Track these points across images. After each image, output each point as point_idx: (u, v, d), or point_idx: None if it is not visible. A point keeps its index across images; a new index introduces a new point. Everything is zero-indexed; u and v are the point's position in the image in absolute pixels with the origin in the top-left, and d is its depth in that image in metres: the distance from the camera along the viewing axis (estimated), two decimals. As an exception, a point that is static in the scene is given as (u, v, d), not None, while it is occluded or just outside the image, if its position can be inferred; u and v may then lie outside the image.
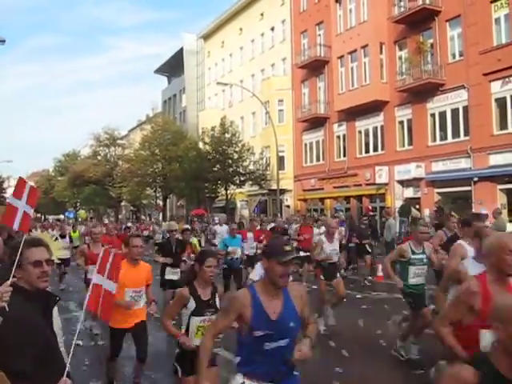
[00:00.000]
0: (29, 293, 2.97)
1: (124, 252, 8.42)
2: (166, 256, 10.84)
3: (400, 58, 29.28)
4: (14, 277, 2.80)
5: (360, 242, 17.20)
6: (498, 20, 24.12)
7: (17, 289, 2.90)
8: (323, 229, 16.98)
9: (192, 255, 11.48)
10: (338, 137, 34.39)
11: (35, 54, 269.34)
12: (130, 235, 7.29)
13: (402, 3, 28.40)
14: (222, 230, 19.36)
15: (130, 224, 27.07)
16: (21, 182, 4.84)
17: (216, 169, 38.49)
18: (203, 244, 20.98)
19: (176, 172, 44.02)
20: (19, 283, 2.97)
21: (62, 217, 74.27)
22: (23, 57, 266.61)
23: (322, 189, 35.15)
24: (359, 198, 32.23)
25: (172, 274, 10.90)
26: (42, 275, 3.05)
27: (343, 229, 17.41)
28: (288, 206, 38.38)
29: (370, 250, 17.40)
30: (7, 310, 2.63)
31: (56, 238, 13.28)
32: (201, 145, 42.10)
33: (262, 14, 43.45)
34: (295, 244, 15.29)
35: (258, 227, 17.87)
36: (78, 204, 76.48)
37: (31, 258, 3.05)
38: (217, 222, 24.53)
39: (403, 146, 29.24)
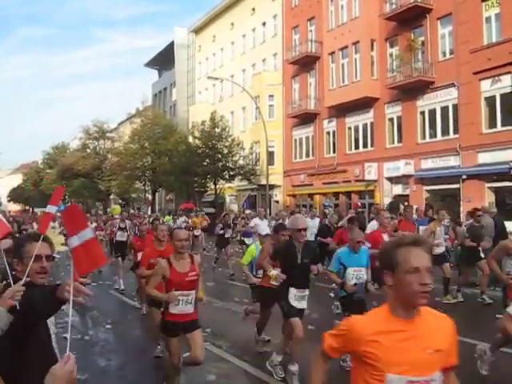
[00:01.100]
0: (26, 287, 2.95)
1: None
2: (286, 270, 6.79)
3: (391, 55, 29.31)
4: (27, 276, 2.80)
5: None
6: (488, 19, 24.19)
7: (15, 282, 2.90)
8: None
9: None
10: (328, 133, 34.41)
11: (26, 46, 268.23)
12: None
13: (393, 0, 28.41)
14: (263, 224, 15.75)
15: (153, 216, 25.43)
16: (60, 190, 4.98)
17: (205, 163, 38.45)
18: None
19: (165, 166, 43.94)
20: (19, 276, 2.97)
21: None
22: (13, 49, 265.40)
23: (312, 185, 35.17)
24: (348, 194, 32.26)
25: (300, 301, 6.87)
26: (41, 270, 3.03)
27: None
28: (277, 202, 38.39)
29: None
30: (18, 308, 2.62)
31: (60, 232, 13.13)
32: (190, 139, 42.05)
33: (253, 9, 43.35)
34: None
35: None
36: (67, 197, 76.09)
37: (32, 252, 3.03)
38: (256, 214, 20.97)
39: (393, 142, 29.31)
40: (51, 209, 4.68)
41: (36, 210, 68.52)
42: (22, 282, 2.74)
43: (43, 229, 4.62)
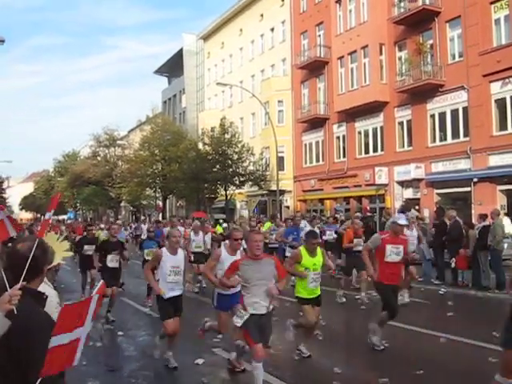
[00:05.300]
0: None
1: None
2: None
3: (400, 58, 29.27)
4: (23, 281, 2.78)
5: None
6: (497, 21, 24.11)
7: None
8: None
9: None
10: (338, 137, 34.36)
11: (36, 54, 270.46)
12: None
13: (401, 4, 28.38)
14: None
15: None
16: (56, 197, 5.26)
17: (215, 169, 38.45)
18: None
19: (175, 172, 44.01)
20: None
21: (64, 217, 74.55)
22: (24, 56, 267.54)
23: (322, 189, 35.11)
24: (359, 198, 32.18)
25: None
26: None
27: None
28: (288, 207, 38.35)
29: None
30: (15, 312, 2.62)
31: (65, 238, 13.09)
32: (200, 145, 42.10)
33: (261, 15, 43.44)
34: None
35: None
36: (78, 205, 76.48)
37: None
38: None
39: (403, 146, 29.22)
40: (48, 215, 4.92)
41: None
42: (18, 285, 2.72)
43: (42, 233, 4.75)
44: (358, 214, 19.76)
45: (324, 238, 16.78)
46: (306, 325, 7.87)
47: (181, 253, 7.78)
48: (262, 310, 6.25)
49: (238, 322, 6.24)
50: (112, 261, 11.42)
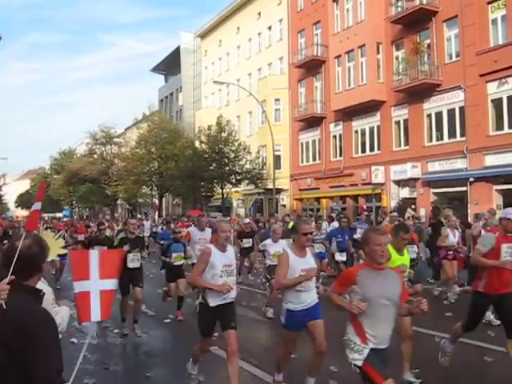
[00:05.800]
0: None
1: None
2: None
3: (397, 58, 29.27)
4: (11, 275, 2.77)
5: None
6: (494, 21, 24.14)
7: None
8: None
9: None
10: (335, 136, 34.37)
11: (33, 51, 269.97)
12: None
13: (399, 3, 28.37)
14: None
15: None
16: (42, 186, 5.17)
17: (212, 168, 38.47)
18: None
19: (172, 171, 43.99)
20: None
21: (60, 215, 74.39)
22: (21, 54, 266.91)
23: (318, 188, 35.11)
24: (355, 197, 32.20)
25: None
26: None
27: None
28: (284, 206, 38.36)
29: None
30: (4, 307, 2.61)
31: (61, 236, 12.99)
32: (197, 143, 42.10)
33: (259, 13, 43.40)
34: None
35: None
36: (74, 202, 76.37)
37: None
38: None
39: (399, 146, 29.25)
40: (36, 206, 4.73)
41: (44, 215, 68.80)
42: (6, 280, 2.71)
43: (30, 227, 4.66)
44: (395, 213, 18.15)
45: (355, 236, 15.09)
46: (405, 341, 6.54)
47: (231, 250, 6.42)
48: (385, 342, 4.62)
49: (357, 359, 4.57)
50: (133, 260, 9.77)
